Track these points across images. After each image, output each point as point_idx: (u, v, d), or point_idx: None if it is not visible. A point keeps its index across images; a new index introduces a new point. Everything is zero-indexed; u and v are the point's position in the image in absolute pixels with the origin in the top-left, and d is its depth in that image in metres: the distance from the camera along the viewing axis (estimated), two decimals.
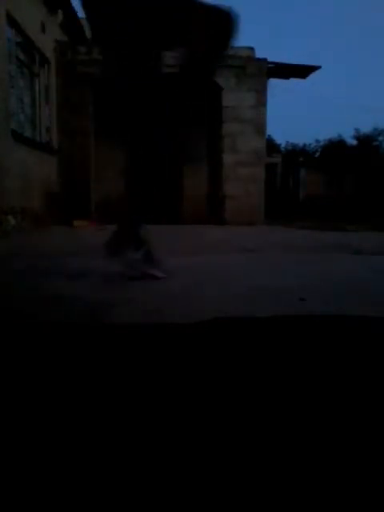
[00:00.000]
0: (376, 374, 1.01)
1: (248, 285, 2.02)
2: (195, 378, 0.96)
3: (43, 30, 6.78)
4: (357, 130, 21.64)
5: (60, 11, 7.52)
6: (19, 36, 5.94)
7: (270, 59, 8.30)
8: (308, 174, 17.51)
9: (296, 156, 20.73)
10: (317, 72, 8.89)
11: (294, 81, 9.32)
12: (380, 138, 21.51)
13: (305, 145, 23.61)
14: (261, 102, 8.28)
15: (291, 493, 0.59)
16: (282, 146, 23.70)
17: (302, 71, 8.93)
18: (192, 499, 0.58)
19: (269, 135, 20.79)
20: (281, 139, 31.43)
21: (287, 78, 9.18)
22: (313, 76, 9.15)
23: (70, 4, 7.32)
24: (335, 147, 20.91)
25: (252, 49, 9.66)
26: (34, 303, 1.65)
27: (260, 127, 8.35)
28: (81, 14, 7.48)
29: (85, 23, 8.29)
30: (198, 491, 0.59)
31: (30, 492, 0.59)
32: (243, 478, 0.62)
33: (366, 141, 21.13)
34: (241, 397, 0.87)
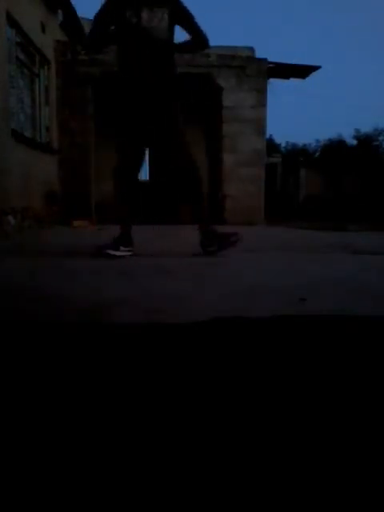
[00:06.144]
0: (376, 374, 1.01)
1: (248, 284, 2.02)
2: (194, 378, 0.96)
3: (43, 30, 6.78)
4: (357, 130, 21.62)
5: (60, 11, 7.51)
6: (19, 36, 5.93)
7: (270, 59, 8.30)
8: (308, 174, 17.50)
9: (296, 156, 20.71)
10: (317, 72, 8.90)
11: (294, 81, 9.31)
12: (380, 138, 21.49)
13: (305, 145, 23.61)
14: (261, 102, 8.27)
15: (291, 492, 0.59)
16: (282, 146, 23.69)
17: (302, 71, 8.93)
18: (191, 499, 0.58)
19: (270, 135, 20.80)
20: (281, 139, 31.43)
21: (287, 77, 9.19)
22: (313, 76, 9.15)
23: (70, 4, 7.31)
24: (335, 147, 20.89)
25: (252, 49, 9.66)
26: (33, 303, 1.65)
27: (260, 127, 8.34)
28: (81, 13, 7.48)
29: (85, 23, 8.29)
30: (198, 491, 0.59)
31: (29, 492, 0.59)
32: (243, 478, 0.62)
33: (365, 141, 21.11)
34: (240, 397, 0.87)
